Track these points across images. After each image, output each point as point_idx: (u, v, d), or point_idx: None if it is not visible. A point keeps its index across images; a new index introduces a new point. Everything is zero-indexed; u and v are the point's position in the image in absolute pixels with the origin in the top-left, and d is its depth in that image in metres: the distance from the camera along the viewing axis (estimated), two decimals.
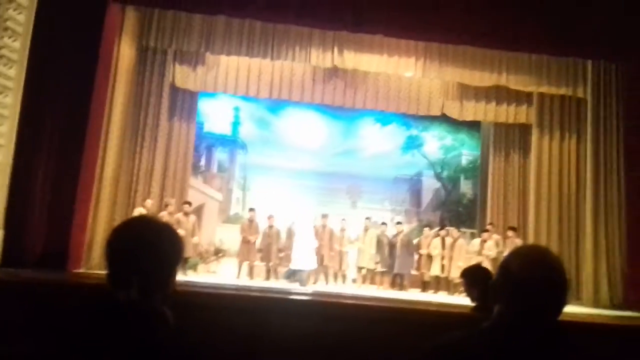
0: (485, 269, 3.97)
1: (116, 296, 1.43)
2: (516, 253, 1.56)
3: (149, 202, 10.23)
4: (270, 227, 11.11)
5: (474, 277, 3.54)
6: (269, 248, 10.98)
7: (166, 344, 1.37)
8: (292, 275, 10.56)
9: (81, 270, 8.50)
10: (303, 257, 10.51)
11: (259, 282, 10.57)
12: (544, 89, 11.46)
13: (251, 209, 11.42)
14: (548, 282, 1.45)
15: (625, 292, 10.27)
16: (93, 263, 9.14)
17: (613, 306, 10.08)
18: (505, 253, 7.53)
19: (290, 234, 11.10)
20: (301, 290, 9.08)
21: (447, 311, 3.84)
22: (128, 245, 1.46)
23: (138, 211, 9.85)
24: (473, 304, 3.40)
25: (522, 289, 1.45)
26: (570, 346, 1.46)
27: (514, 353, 1.40)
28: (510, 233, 11.02)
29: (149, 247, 1.45)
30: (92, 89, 9.06)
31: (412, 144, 13.71)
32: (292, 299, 3.75)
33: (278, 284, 10.53)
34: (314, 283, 10.90)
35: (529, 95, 11.98)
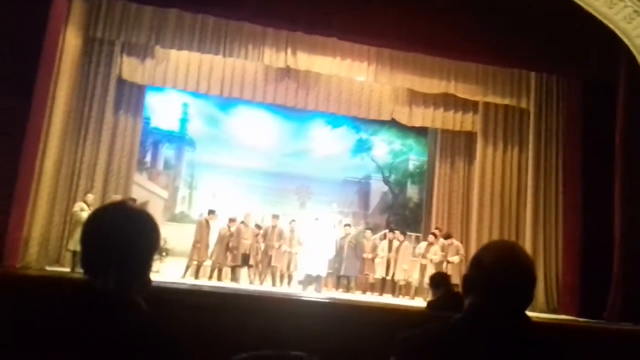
0: (445, 274, 4.40)
1: (93, 285, 1.37)
2: (488, 247, 1.60)
3: (90, 197, 9.84)
4: (230, 228, 10.83)
5: (437, 281, 3.90)
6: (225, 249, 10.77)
7: (141, 334, 1.33)
8: (307, 280, 10.44)
9: (18, 267, 8.11)
10: (315, 262, 10.51)
11: (205, 281, 10.41)
12: (490, 98, 11.86)
13: (211, 212, 11.12)
14: (518, 274, 1.51)
15: (560, 297, 10.76)
16: (30, 259, 8.77)
17: (549, 310, 10.51)
18: (449, 257, 7.93)
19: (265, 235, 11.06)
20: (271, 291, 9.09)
21: (410, 309, 4.02)
22: (103, 231, 1.41)
23: (79, 206, 9.49)
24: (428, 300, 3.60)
25: (494, 281, 1.49)
26: (538, 338, 1.52)
27: (486, 342, 1.44)
28: (450, 240, 11.28)
29: (124, 234, 1.40)
30: (34, 79, 8.66)
31: (362, 147, 13.86)
32: (268, 297, 3.77)
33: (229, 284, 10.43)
34: (261, 284, 10.84)
35: (475, 104, 12.36)
